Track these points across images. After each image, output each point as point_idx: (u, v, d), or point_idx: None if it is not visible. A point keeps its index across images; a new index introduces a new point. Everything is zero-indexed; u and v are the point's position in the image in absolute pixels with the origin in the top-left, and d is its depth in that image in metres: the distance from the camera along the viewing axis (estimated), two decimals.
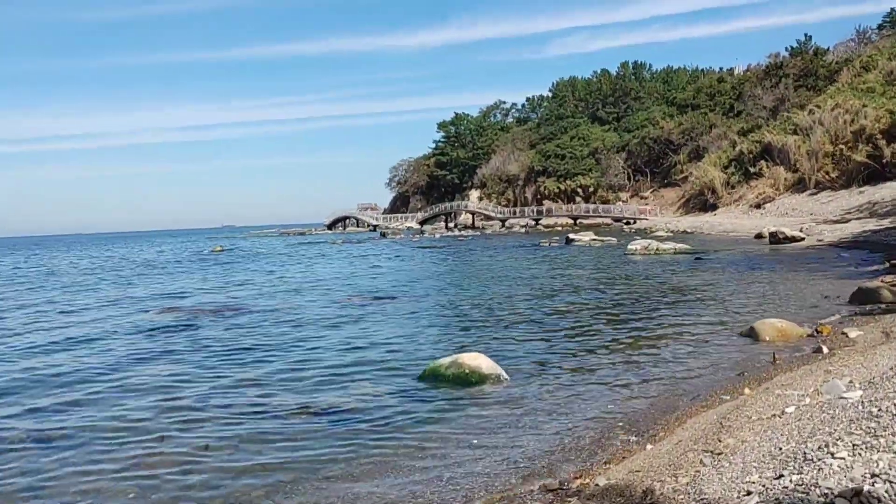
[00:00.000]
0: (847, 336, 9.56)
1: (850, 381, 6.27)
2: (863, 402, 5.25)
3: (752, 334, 10.23)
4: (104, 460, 6.20)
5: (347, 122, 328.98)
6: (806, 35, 72.07)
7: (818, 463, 3.87)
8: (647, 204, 71.78)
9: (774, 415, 5.87)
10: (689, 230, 44.95)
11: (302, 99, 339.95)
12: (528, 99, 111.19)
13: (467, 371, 8.36)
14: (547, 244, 38.62)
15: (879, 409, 4.86)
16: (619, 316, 13.00)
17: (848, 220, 32.76)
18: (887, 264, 18.33)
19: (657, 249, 28.13)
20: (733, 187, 54.63)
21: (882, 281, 15.00)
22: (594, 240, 38.52)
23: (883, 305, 11.97)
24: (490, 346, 10.54)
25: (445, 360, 8.70)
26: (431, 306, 15.47)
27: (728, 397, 7.06)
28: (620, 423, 6.60)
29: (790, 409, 5.85)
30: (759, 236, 33.22)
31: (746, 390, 7.08)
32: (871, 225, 29.36)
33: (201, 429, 7.01)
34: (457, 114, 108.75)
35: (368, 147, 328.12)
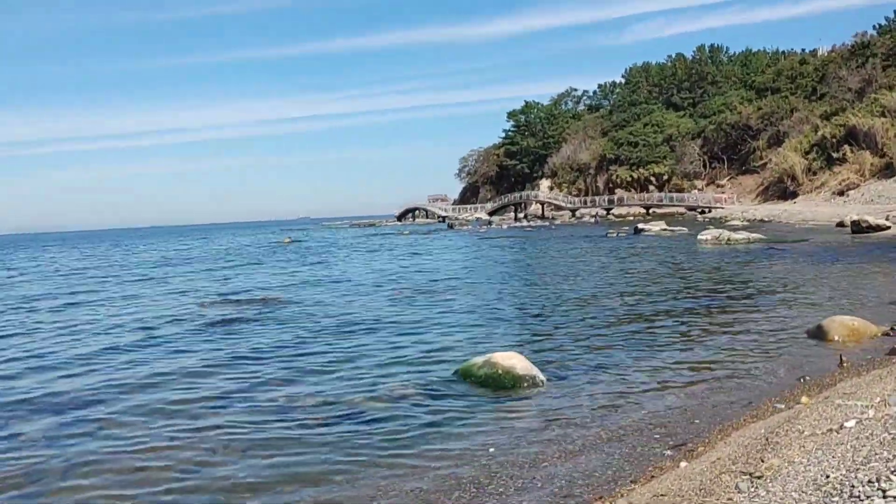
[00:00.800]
0: None
1: None
2: None
3: (819, 333, 9.35)
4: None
5: (419, 115, 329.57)
6: (895, 12, 68.26)
7: (865, 502, 3.19)
8: (723, 192, 69.34)
9: (831, 429, 5.13)
10: (765, 219, 43.06)
11: (376, 91, 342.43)
12: (599, 86, 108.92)
13: (500, 372, 7.80)
14: (615, 235, 37.53)
15: None
16: (677, 311, 12.19)
17: None
18: None
19: (728, 239, 26.89)
20: (815, 174, 52.16)
21: None
22: (664, 230, 37.22)
23: None
24: (534, 344, 9.96)
25: (479, 360, 8.16)
26: (481, 301, 14.92)
27: (782, 406, 6.32)
28: (658, 435, 5.95)
29: (850, 424, 5.11)
30: (840, 225, 31.42)
31: (804, 398, 6.32)
32: None
33: (220, 426, 6.66)
34: (527, 102, 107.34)
35: (441, 138, 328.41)
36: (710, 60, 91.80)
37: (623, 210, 72.90)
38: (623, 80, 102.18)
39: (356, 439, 6.31)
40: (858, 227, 27.54)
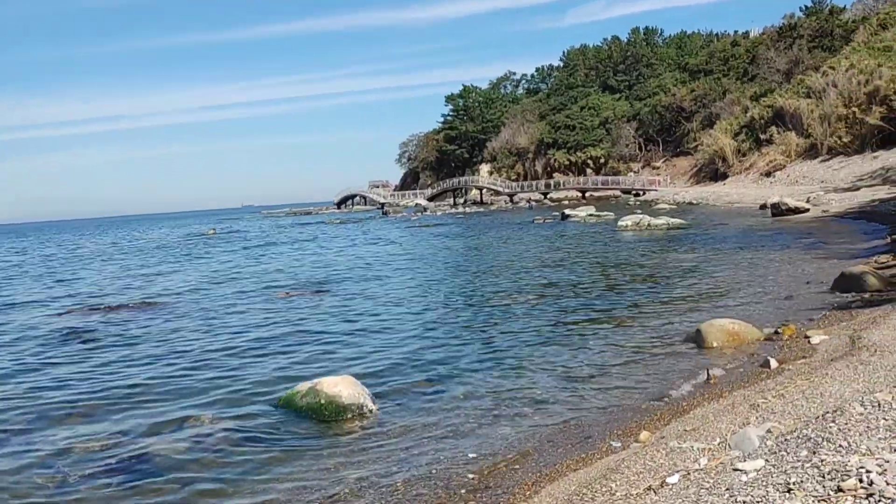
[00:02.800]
0: (809, 342, 7.81)
1: (769, 432, 4.55)
2: (756, 481, 3.56)
3: (698, 339, 8.49)
4: None
5: (361, 99, 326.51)
6: None
7: None
8: (658, 174, 69.33)
9: (650, 487, 4.19)
10: (694, 201, 42.79)
11: (318, 75, 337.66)
12: (537, 69, 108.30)
13: (322, 402, 6.73)
14: (541, 221, 36.78)
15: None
16: (561, 315, 11.25)
17: (859, 188, 30.58)
18: (889, 239, 16.41)
19: (649, 225, 26.30)
20: (744, 155, 52.15)
21: (876, 261, 13.18)
22: (591, 215, 36.58)
23: (866, 295, 10.15)
24: (391, 356, 8.92)
25: (304, 386, 7.07)
26: (363, 305, 13.80)
27: (619, 444, 5.37)
28: (465, 490, 4.93)
29: (673, 479, 4.18)
30: (763, 207, 31.12)
31: (644, 434, 5.38)
32: (883, 193, 27.24)
33: None
34: (465, 86, 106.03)
35: (383, 123, 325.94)
36: (644, 43, 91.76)
37: (561, 194, 72.43)
38: (561, 63, 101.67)
39: (119, 497, 5.19)
40: (778, 210, 27.17)
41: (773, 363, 7.07)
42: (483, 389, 7.25)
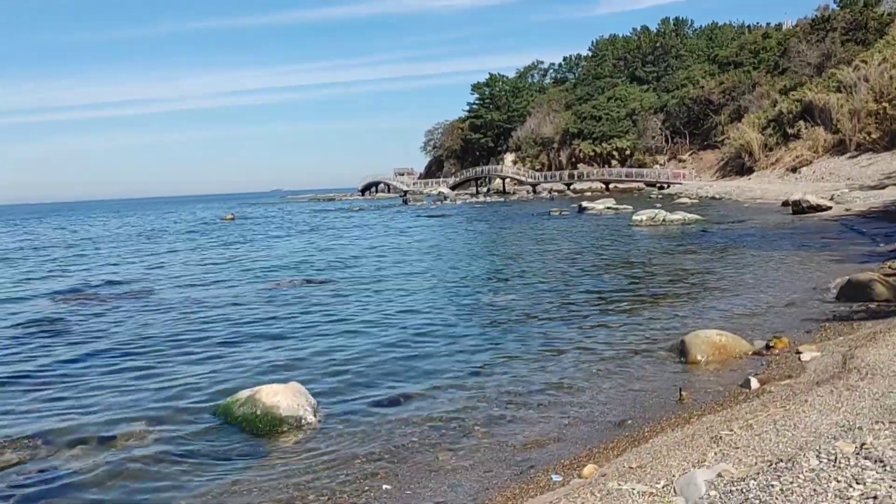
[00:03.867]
0: (799, 358, 7.16)
1: (719, 476, 3.95)
2: None
3: (681, 351, 7.86)
4: None
5: (391, 86, 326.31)
6: None
7: None
8: (684, 167, 68.06)
9: None
10: (717, 196, 41.77)
11: (347, 62, 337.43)
12: (565, 59, 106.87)
13: (258, 412, 6.22)
14: (557, 213, 36.02)
15: None
16: (552, 315, 10.64)
17: (885, 186, 29.48)
18: None
19: (664, 220, 25.50)
20: (771, 149, 50.85)
21: (890, 267, 12.40)
22: (608, 208, 35.75)
23: (873, 305, 9.44)
24: (358, 361, 8.38)
25: (244, 394, 6.56)
26: (359, 294, 13.33)
27: (560, 478, 4.80)
28: None
29: None
30: (785, 204, 30.11)
31: (588, 468, 4.80)
32: None
33: None
34: (491, 75, 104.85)
35: (411, 111, 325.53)
36: (674, 34, 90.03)
37: (584, 185, 71.40)
38: (590, 53, 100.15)
39: None
40: (799, 208, 26.21)
41: (755, 383, 6.44)
42: (439, 405, 6.68)
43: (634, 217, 26.55)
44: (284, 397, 6.34)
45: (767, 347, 7.85)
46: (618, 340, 8.73)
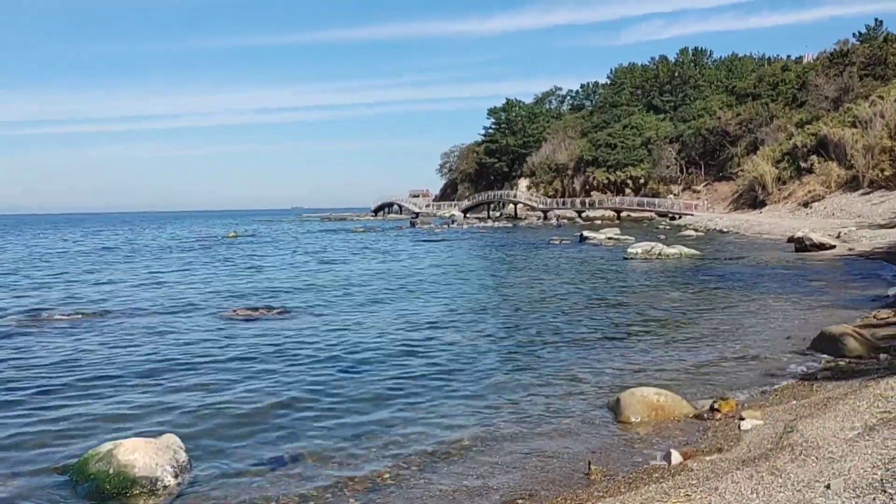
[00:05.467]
0: (739, 427, 6.38)
1: None
2: None
3: (617, 409, 7.10)
4: None
5: (410, 108, 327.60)
6: (876, 20, 65.81)
7: None
8: (698, 198, 67.09)
9: None
10: (725, 229, 40.83)
11: (369, 83, 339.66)
12: (582, 86, 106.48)
13: (111, 471, 5.50)
14: (558, 242, 35.19)
15: None
16: (483, 358, 9.88)
17: (894, 226, 28.51)
18: None
19: (660, 253, 24.66)
20: (784, 183, 49.85)
21: (875, 316, 11.58)
22: (609, 238, 34.91)
23: (842, 362, 8.62)
24: (264, 405, 7.68)
25: (104, 448, 5.83)
26: (301, 328, 12.65)
27: None
28: None
29: None
30: (791, 240, 29.20)
31: None
32: None
33: None
34: (508, 100, 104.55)
35: (429, 133, 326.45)
36: (693, 64, 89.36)
37: (596, 213, 70.63)
38: (608, 81, 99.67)
39: None
40: (802, 245, 25.31)
41: (676, 457, 5.66)
42: (328, 464, 5.97)
43: (630, 250, 25.72)
44: (143, 454, 5.63)
45: (711, 410, 7.06)
46: (553, 392, 7.98)
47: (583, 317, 13.12)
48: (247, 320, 13.34)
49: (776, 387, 7.85)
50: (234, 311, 14.36)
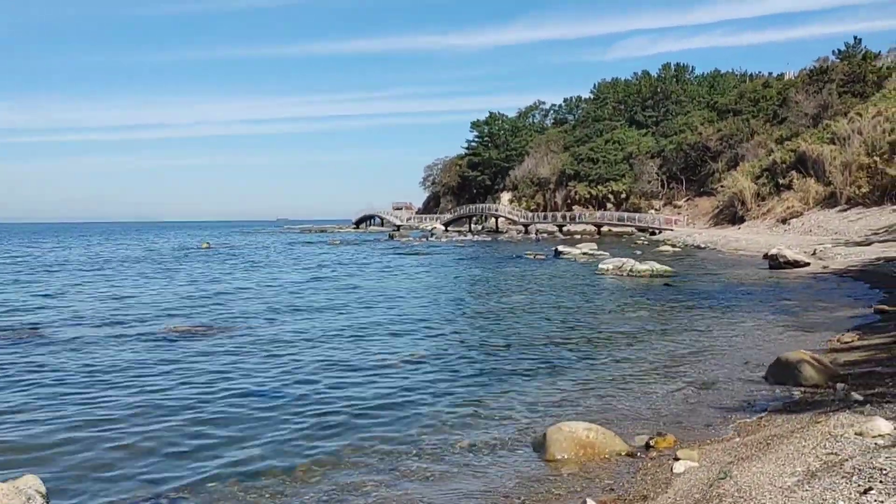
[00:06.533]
0: (671, 469, 5.72)
1: None
2: None
3: (542, 446, 6.43)
4: None
5: (394, 121, 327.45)
6: (855, 38, 65.84)
7: None
8: (679, 213, 66.82)
9: None
10: (702, 245, 40.35)
11: (358, 95, 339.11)
12: (565, 100, 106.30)
13: None
14: (532, 256, 34.58)
15: None
16: (421, 384, 9.21)
17: (871, 243, 28.10)
18: (873, 309, 14.14)
19: (631, 270, 24.07)
20: (763, 199, 49.56)
21: (839, 340, 10.98)
22: (584, 254, 34.36)
23: (797, 393, 7.99)
24: (157, 437, 6.97)
25: None
26: (227, 348, 11.93)
27: None
28: None
29: None
30: (766, 257, 28.70)
31: None
32: (894, 251, 24.75)
33: None
34: (491, 113, 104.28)
35: (413, 145, 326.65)
36: (675, 79, 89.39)
37: (577, 227, 70.17)
38: (591, 95, 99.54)
39: None
40: (776, 262, 24.82)
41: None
42: None
43: (601, 265, 25.14)
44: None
45: (647, 447, 6.41)
46: (480, 424, 7.30)
47: (535, 339, 12.44)
48: (176, 340, 12.57)
49: (723, 420, 7.19)
50: (169, 328, 13.60)
